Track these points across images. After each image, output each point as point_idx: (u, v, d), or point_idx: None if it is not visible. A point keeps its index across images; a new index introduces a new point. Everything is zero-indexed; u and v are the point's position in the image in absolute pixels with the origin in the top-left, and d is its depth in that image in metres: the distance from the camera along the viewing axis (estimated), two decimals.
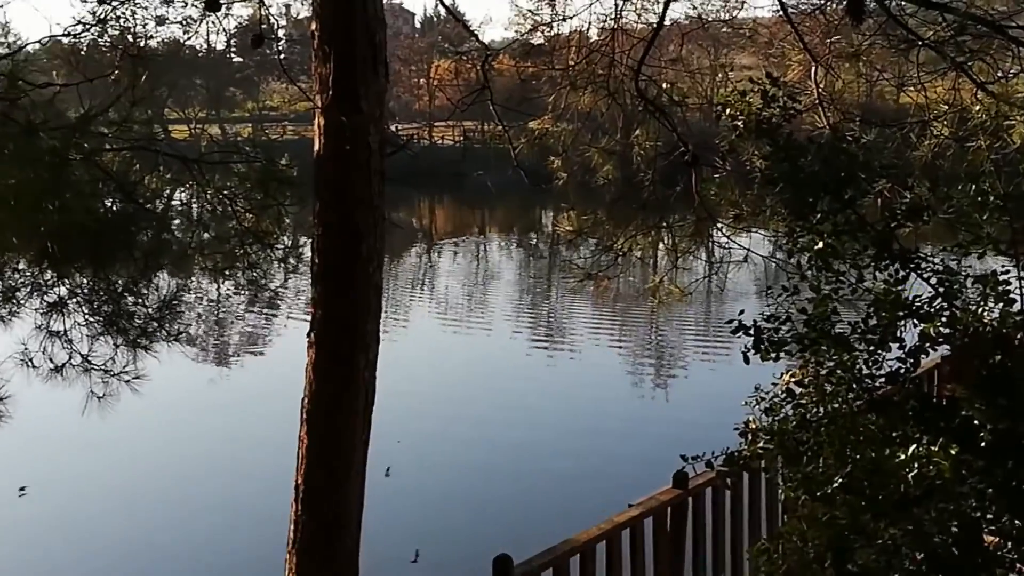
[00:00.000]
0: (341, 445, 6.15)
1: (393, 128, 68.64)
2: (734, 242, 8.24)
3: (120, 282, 6.49)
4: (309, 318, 6.23)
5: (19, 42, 7.33)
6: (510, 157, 8.40)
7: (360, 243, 5.95)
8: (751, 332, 4.91)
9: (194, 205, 7.14)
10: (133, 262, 6.45)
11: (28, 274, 6.34)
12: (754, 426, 4.92)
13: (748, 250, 8.29)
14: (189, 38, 79.40)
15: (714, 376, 21.17)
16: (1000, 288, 4.68)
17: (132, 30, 7.16)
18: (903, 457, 4.11)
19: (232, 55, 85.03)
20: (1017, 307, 4.71)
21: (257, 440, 17.15)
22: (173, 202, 7.16)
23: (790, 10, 8.06)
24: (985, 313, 4.65)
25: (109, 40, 6.93)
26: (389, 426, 17.60)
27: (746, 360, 4.98)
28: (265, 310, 27.72)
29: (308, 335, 6.16)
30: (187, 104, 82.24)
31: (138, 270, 6.48)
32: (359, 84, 5.81)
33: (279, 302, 27.12)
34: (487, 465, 16.19)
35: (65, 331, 6.41)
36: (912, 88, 8.30)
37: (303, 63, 73.54)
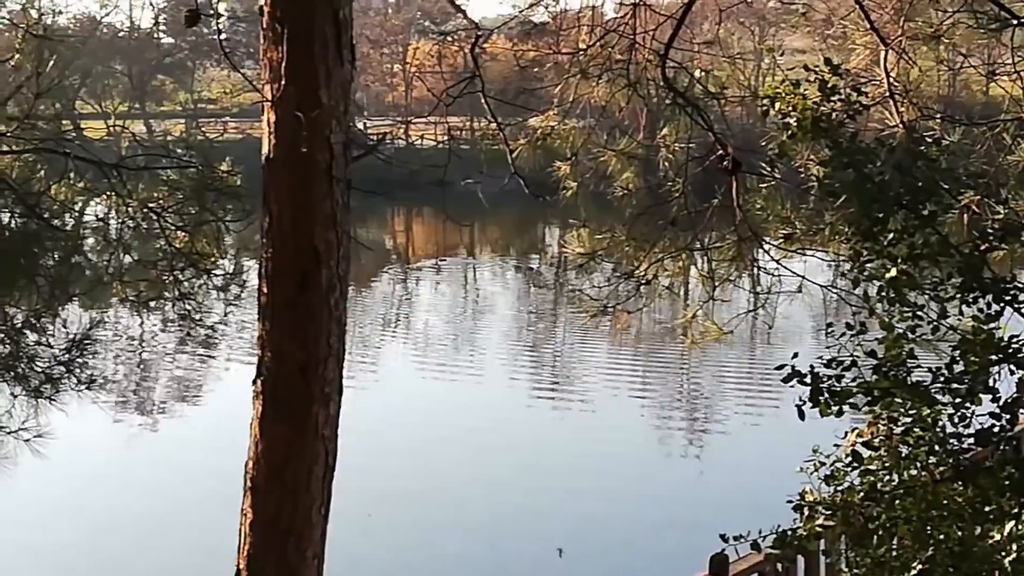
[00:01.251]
0: (295, 521, 6.11)
1: (361, 126, 69.06)
2: (785, 268, 8.23)
3: (19, 316, 6.48)
4: (255, 362, 6.21)
5: None
6: (506, 161, 8.40)
7: (319, 268, 5.94)
8: (807, 380, 4.90)
9: (112, 221, 7.15)
10: (36, 291, 6.45)
11: None
12: (811, 498, 4.90)
13: (803, 278, 8.27)
14: (107, 14, 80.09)
15: (761, 435, 21.10)
16: None
17: (36, 4, 7.20)
18: (998, 537, 4.09)
19: (160, 35, 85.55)
20: None
21: (188, 516, 17.06)
22: (86, 217, 7.16)
23: None
24: None
25: (7, 17, 6.98)
26: (356, 497, 17.65)
27: (801, 415, 4.96)
28: (201, 351, 27.60)
29: (254, 383, 6.14)
30: (104, 95, 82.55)
31: (42, 301, 6.48)
32: (319, 71, 5.81)
33: (218, 341, 27.05)
34: (474, 552, 16.12)
35: None
36: (1005, 77, 8.33)
37: (249, 45, 74.12)
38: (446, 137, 68.04)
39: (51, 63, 6.50)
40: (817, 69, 5.28)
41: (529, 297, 39.63)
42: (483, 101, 7.90)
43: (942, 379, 4.78)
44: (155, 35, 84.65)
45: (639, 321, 28.04)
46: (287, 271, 5.98)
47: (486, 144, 9.21)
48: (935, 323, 4.86)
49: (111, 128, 70.02)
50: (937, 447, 4.74)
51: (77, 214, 6.99)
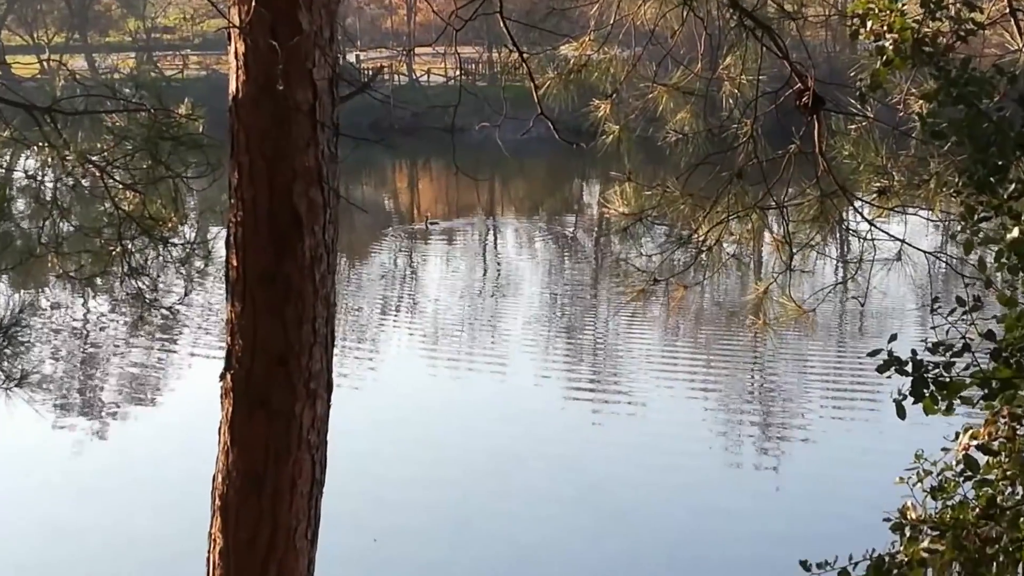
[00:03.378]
0: (275, 547, 6.16)
1: (352, 58, 69.05)
2: (880, 229, 8.21)
3: None
4: (223, 352, 6.24)
5: None
6: (531, 101, 8.39)
7: (301, 235, 5.96)
8: (908, 369, 4.88)
9: (47, 179, 7.18)
10: None
11: None
12: (914, 515, 4.89)
13: (902, 241, 8.24)
14: None
15: (850, 439, 21.09)
16: None
17: None
18: None
19: None
20: None
21: (143, 543, 17.18)
22: (14, 173, 7.20)
23: None
24: None
25: None
26: (353, 517, 17.73)
27: (900, 413, 4.95)
28: (157, 338, 27.80)
29: (222, 378, 6.18)
30: (36, 24, 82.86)
31: None
32: None
33: (178, 326, 27.27)
34: None
35: None
36: None
37: None
38: (457, 72, 68.10)
39: None
40: None
41: (562, 269, 39.63)
42: (502, 25, 7.88)
43: None
44: None
45: (698, 298, 28.09)
46: (261, 239, 6.00)
47: (506, 80, 9.20)
48: None
49: (45, 64, 70.24)
50: None
51: (2, 170, 7.02)
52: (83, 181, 6.97)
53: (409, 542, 17.19)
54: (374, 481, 18.69)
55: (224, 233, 6.17)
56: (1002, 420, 4.90)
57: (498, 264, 41.10)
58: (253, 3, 5.73)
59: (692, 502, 18.56)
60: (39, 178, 7.17)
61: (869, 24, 5.17)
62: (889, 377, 4.95)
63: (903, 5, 5.12)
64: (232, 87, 5.99)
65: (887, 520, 5.01)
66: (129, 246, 7.02)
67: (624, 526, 17.74)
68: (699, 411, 23.33)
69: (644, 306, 9.15)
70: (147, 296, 7.24)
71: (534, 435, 21.99)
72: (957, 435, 5.00)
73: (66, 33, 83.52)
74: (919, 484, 4.92)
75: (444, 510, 18.43)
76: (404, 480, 19.35)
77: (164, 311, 7.38)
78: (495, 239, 45.63)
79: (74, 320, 29.59)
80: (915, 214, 8.18)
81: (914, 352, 4.92)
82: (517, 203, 54.94)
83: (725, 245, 8.61)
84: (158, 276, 7.19)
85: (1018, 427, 4.86)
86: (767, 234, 8.85)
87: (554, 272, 39.24)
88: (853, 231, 8.54)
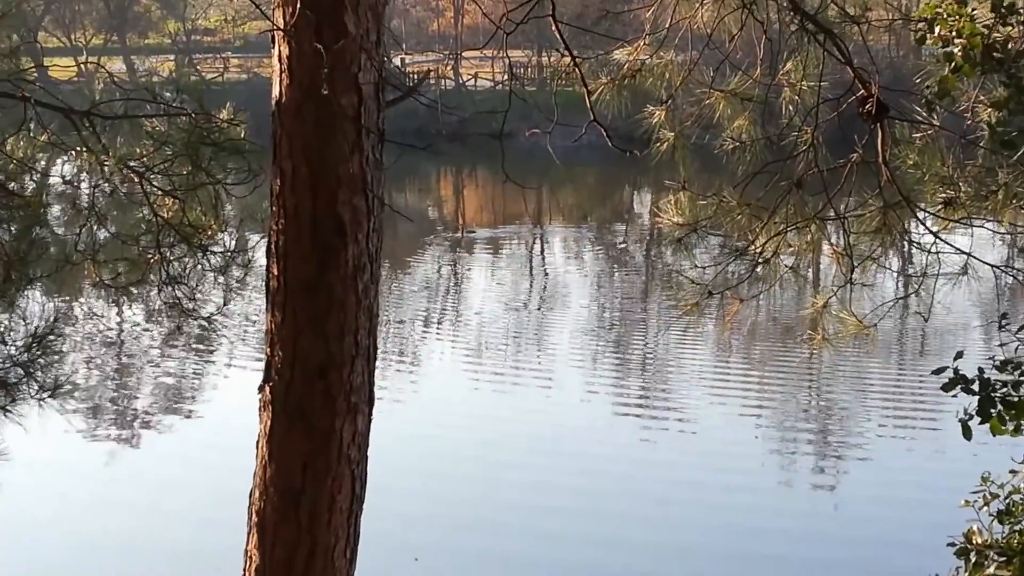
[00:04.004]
0: (313, 566, 6.17)
1: (398, 61, 69.24)
2: (944, 242, 8.16)
3: None
4: (262, 364, 6.26)
5: None
6: (583, 107, 8.39)
7: (344, 244, 5.98)
8: (974, 388, 4.85)
9: (84, 184, 7.23)
10: None
11: None
12: (980, 540, 4.85)
13: (968, 255, 8.18)
14: None
15: (911, 458, 20.97)
16: None
17: None
18: None
19: None
20: None
21: (179, 557, 17.24)
22: (51, 179, 7.25)
23: None
24: None
25: None
26: (393, 535, 17.72)
27: (966, 433, 4.91)
28: (195, 349, 27.93)
29: (261, 390, 6.20)
30: (75, 25, 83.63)
31: None
32: None
33: (216, 337, 27.37)
34: None
35: None
36: None
37: None
38: (506, 76, 68.23)
39: None
40: None
41: (612, 280, 39.59)
42: (554, 29, 7.89)
43: None
44: None
45: (754, 312, 27.95)
46: (304, 248, 6.03)
47: (557, 85, 9.19)
48: None
49: (83, 66, 70.74)
50: None
51: (39, 175, 7.07)
52: (121, 187, 7.02)
53: (451, 561, 17.18)
54: (415, 498, 18.69)
55: (265, 241, 6.20)
56: None
57: (545, 274, 41.05)
58: (298, 5, 5.75)
59: (745, 523, 18.45)
60: (76, 183, 7.22)
61: (937, 29, 5.16)
62: (954, 396, 4.92)
63: (972, 10, 5.10)
64: (275, 91, 6.02)
65: (951, 544, 4.97)
66: (167, 254, 7.06)
67: (675, 547, 17.68)
68: (753, 429, 23.21)
69: (697, 320, 9.08)
70: (185, 305, 7.28)
71: (581, 452, 21.93)
72: None
73: (104, 35, 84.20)
74: (985, 508, 4.89)
75: (487, 528, 18.42)
76: (446, 497, 19.35)
77: (202, 321, 7.40)
78: (542, 248, 45.63)
79: (109, 329, 29.78)
80: (982, 226, 8.12)
81: (981, 370, 4.90)
82: (566, 212, 54.91)
83: (783, 257, 8.58)
84: (196, 285, 7.23)
85: None
86: (826, 246, 8.81)
87: (603, 283, 39.19)
88: (917, 243, 8.48)
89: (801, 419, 23.96)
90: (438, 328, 33.09)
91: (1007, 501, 4.90)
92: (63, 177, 7.23)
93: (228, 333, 26.70)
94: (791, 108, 8.45)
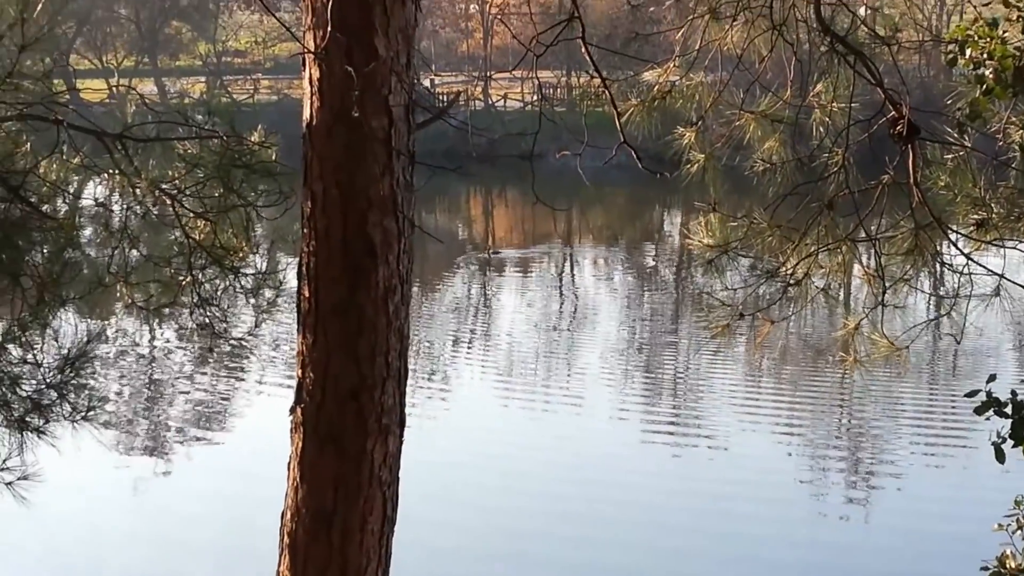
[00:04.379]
0: None
1: (428, 83, 69.43)
2: (977, 263, 8.13)
3: None
4: (294, 385, 6.28)
5: None
6: (613, 128, 8.40)
7: (375, 266, 5.99)
8: (1007, 411, 4.83)
9: (116, 206, 7.28)
10: (21, 295, 6.58)
11: None
12: (1014, 564, 4.83)
13: (1001, 276, 8.15)
14: None
15: (945, 482, 20.86)
16: None
17: None
18: None
19: None
20: None
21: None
22: (83, 201, 7.30)
23: None
24: None
25: None
26: (425, 557, 17.70)
27: (999, 457, 4.89)
28: (226, 370, 28.02)
29: (292, 412, 6.22)
30: (106, 47, 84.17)
31: (28, 307, 6.61)
32: (374, 13, 5.88)
33: (247, 359, 27.46)
34: None
35: None
36: None
37: None
38: (536, 97, 68.35)
39: (39, 6, 6.62)
40: (1021, 4, 5.20)
41: (642, 301, 39.53)
42: (583, 50, 7.90)
43: None
44: None
45: (785, 333, 27.84)
46: (335, 269, 6.05)
47: (587, 106, 9.20)
48: None
49: (114, 88, 71.23)
50: None
51: (72, 197, 7.12)
52: (153, 209, 7.05)
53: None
54: (446, 520, 18.67)
55: (296, 263, 6.22)
56: None
57: (575, 296, 41.03)
58: (328, 28, 5.78)
59: (777, 547, 18.39)
60: (109, 206, 7.26)
61: (968, 52, 5.14)
62: (987, 419, 4.90)
63: (1003, 32, 5.09)
64: (306, 113, 6.05)
65: (985, 569, 4.95)
66: (199, 276, 7.09)
67: (707, 572, 17.61)
68: (784, 452, 23.15)
69: (728, 342, 9.08)
70: (216, 327, 7.30)
71: (611, 475, 21.91)
72: None
73: (136, 57, 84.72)
74: (1019, 532, 4.86)
75: (519, 551, 18.39)
76: (477, 519, 19.35)
77: (233, 342, 7.42)
78: (572, 269, 45.62)
79: (142, 350, 29.90)
80: (1015, 248, 8.08)
81: (1014, 393, 4.88)
82: (596, 232, 54.92)
83: (814, 279, 8.56)
84: (228, 307, 7.25)
85: None
86: (858, 268, 8.79)
87: (633, 305, 39.13)
88: (949, 265, 8.45)
89: (833, 442, 23.88)
90: (468, 349, 33.11)
91: None
92: (96, 199, 7.27)
93: (260, 354, 26.80)
94: (822, 129, 8.44)
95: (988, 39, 5.07)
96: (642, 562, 17.90)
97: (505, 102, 73.44)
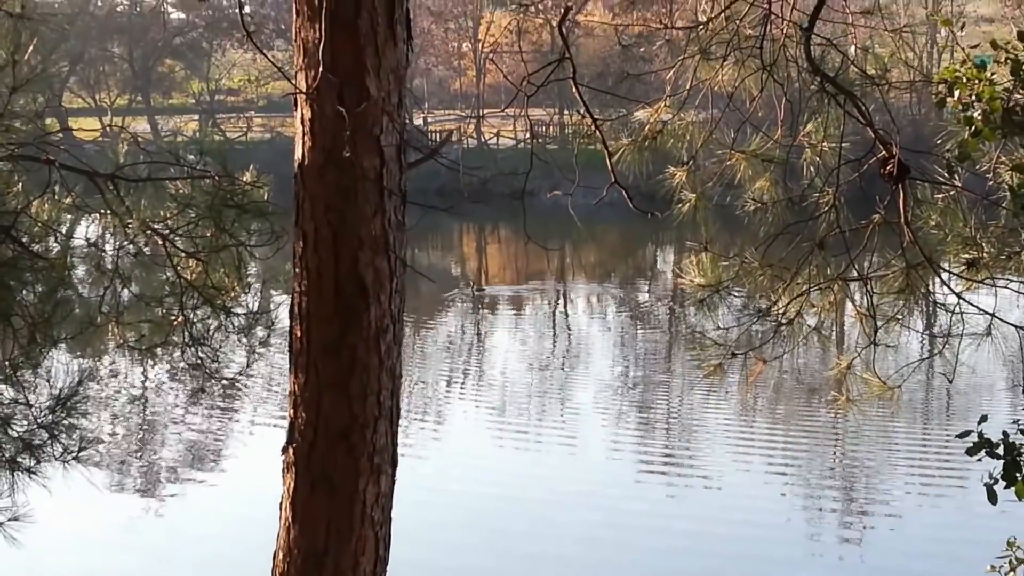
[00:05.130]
0: None
1: (420, 122, 69.61)
2: (968, 303, 8.13)
3: None
4: (286, 425, 6.27)
5: None
6: (605, 166, 8.41)
7: (367, 305, 6.00)
8: (999, 452, 4.83)
9: (108, 246, 7.28)
10: (12, 334, 6.58)
11: None
12: None
13: (992, 315, 8.16)
14: None
15: (938, 522, 20.81)
16: None
17: None
18: None
19: (169, 10, 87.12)
20: None
21: None
22: (75, 240, 7.30)
23: None
24: None
25: None
26: None
27: (992, 498, 4.89)
28: (218, 410, 27.96)
29: (284, 451, 6.21)
30: (99, 86, 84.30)
31: (19, 347, 6.60)
32: (366, 53, 5.90)
33: (239, 398, 27.43)
34: None
35: None
36: None
37: (279, 21, 75.15)
38: (527, 136, 68.50)
39: (31, 47, 6.63)
40: (1009, 46, 5.23)
41: (635, 340, 39.53)
42: (574, 90, 7.93)
43: None
44: (162, 10, 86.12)
45: (778, 373, 27.87)
46: (326, 309, 6.05)
47: (579, 144, 9.24)
48: None
49: (108, 127, 71.28)
50: None
51: (64, 237, 7.12)
52: (145, 249, 7.06)
53: None
54: (439, 558, 18.62)
55: (288, 303, 6.22)
56: None
57: (568, 333, 41.02)
58: (320, 68, 5.80)
59: None
60: (100, 246, 7.26)
61: (956, 93, 5.17)
62: (979, 460, 4.90)
63: (992, 73, 5.11)
64: (298, 153, 6.06)
65: None
66: (191, 315, 7.09)
67: None
68: (777, 488, 23.12)
69: (721, 380, 9.07)
70: (208, 367, 7.30)
71: (605, 512, 21.86)
72: None
73: (129, 95, 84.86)
74: (1012, 574, 4.85)
75: None
76: (470, 558, 19.28)
77: (225, 382, 7.42)
78: (565, 307, 45.63)
79: (134, 390, 29.84)
80: (1006, 287, 8.09)
81: (1006, 434, 4.88)
82: (588, 270, 54.93)
83: (806, 318, 8.57)
84: (220, 346, 7.25)
85: None
86: (850, 306, 8.80)
87: (626, 343, 39.12)
88: (940, 304, 8.46)
89: (826, 481, 23.84)
90: (461, 387, 33.06)
91: None
92: (87, 239, 7.27)
93: (251, 394, 26.76)
94: (812, 169, 8.46)
95: (976, 81, 5.10)
96: None
97: (498, 140, 73.55)
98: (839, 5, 9.66)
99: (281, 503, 6.23)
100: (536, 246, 46.46)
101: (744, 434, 26.58)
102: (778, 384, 28.03)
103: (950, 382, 8.26)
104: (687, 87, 8.58)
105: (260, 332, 7.28)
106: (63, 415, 6.70)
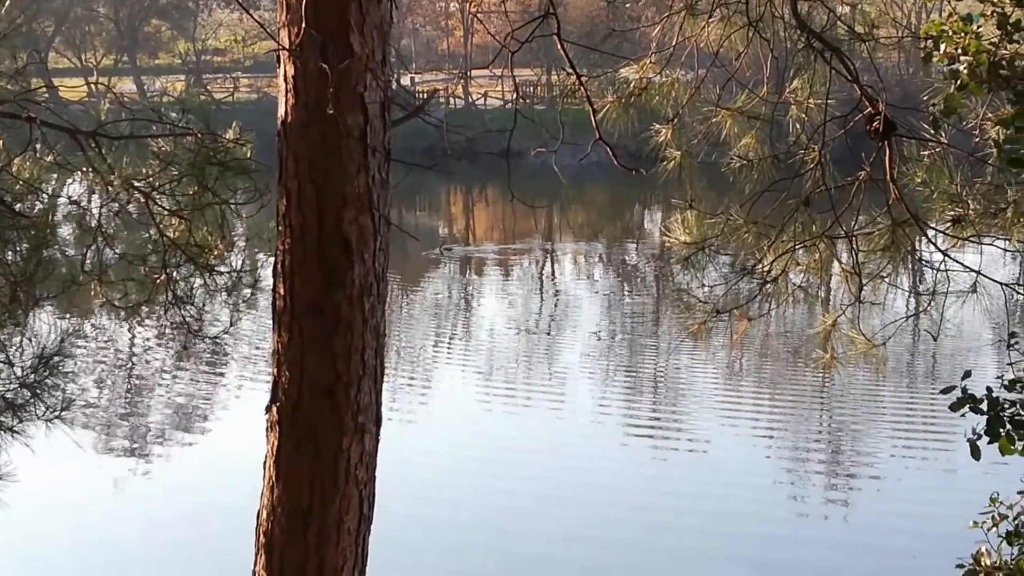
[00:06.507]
0: None
1: (406, 81, 69.37)
2: (954, 260, 8.13)
3: None
4: (269, 384, 6.26)
5: None
6: (590, 125, 8.39)
7: (350, 263, 5.98)
8: (983, 407, 4.83)
9: (92, 204, 7.24)
10: None
11: None
12: (989, 561, 4.83)
13: (978, 272, 8.16)
14: None
15: (921, 479, 20.91)
16: None
17: None
18: None
19: None
20: None
21: None
22: (59, 199, 7.27)
23: None
24: None
25: None
26: (402, 556, 17.67)
27: (975, 453, 4.90)
28: (202, 369, 27.93)
29: (268, 410, 6.20)
30: (84, 45, 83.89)
31: (2, 306, 6.58)
32: (349, 10, 5.86)
33: (223, 357, 27.40)
34: None
35: None
36: None
37: None
38: (513, 95, 68.20)
39: (13, 3, 6.59)
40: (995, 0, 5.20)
41: (621, 299, 39.55)
42: (559, 47, 7.89)
43: None
44: None
45: (763, 331, 27.92)
46: (310, 267, 6.03)
47: (565, 103, 9.19)
48: None
49: (93, 87, 70.99)
50: None
51: (46, 196, 7.09)
52: (128, 207, 7.02)
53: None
54: (424, 519, 18.66)
55: (272, 261, 6.20)
56: None
57: (555, 294, 41.01)
58: (303, 25, 5.76)
59: (757, 545, 18.41)
60: (83, 204, 7.23)
61: (943, 47, 5.15)
62: (963, 415, 4.90)
63: (978, 27, 5.09)
64: (281, 111, 6.03)
65: (960, 566, 4.95)
66: (174, 274, 7.06)
67: (687, 569, 17.62)
68: (762, 449, 23.19)
69: (707, 340, 9.07)
70: (192, 325, 7.28)
71: (591, 473, 21.91)
72: None
73: (115, 55, 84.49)
74: (994, 529, 4.86)
75: (498, 550, 18.37)
76: (456, 519, 19.31)
77: (209, 341, 7.40)
78: (552, 267, 45.59)
79: (117, 349, 29.81)
80: (991, 244, 8.09)
81: (989, 389, 4.88)
82: (575, 230, 54.89)
83: (791, 276, 8.56)
84: (203, 305, 7.23)
85: None
86: (835, 264, 8.79)
87: (613, 303, 39.12)
88: (926, 262, 8.46)
89: (812, 439, 23.92)
90: (447, 346, 33.05)
91: (1016, 522, 4.88)
92: (70, 197, 7.24)
93: (235, 353, 26.73)
94: (798, 126, 8.44)
95: (963, 34, 5.07)
96: (622, 561, 17.90)
97: (486, 100, 73.36)
98: None
99: (265, 462, 6.22)
100: (522, 205, 46.45)
101: (730, 395, 26.64)
102: (764, 345, 28.11)
103: (935, 340, 8.26)
104: (673, 44, 8.55)
105: (244, 291, 7.26)
106: (46, 374, 6.68)
